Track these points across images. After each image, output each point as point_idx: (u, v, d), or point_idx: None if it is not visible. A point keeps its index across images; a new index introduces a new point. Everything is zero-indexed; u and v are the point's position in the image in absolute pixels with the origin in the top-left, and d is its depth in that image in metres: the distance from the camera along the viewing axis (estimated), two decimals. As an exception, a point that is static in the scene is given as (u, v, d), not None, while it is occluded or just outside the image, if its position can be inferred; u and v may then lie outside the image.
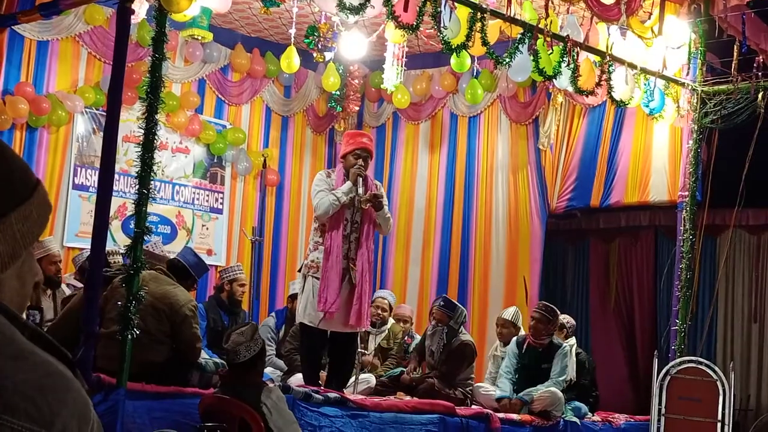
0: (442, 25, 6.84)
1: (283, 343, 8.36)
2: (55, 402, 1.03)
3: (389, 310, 8.76)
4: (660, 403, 7.83)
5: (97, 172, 6.77)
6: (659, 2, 7.98)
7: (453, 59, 7.70)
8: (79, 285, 7.46)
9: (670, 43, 8.32)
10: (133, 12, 5.67)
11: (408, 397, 7.44)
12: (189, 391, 5.86)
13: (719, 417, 7.63)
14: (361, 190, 6.88)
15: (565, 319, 8.53)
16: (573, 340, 8.50)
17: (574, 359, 8.27)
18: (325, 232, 6.88)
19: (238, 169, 10.45)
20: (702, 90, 8.62)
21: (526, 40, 7.21)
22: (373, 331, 8.47)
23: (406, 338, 8.65)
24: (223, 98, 10.39)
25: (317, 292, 6.80)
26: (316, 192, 6.94)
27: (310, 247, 7.04)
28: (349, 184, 6.88)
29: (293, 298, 8.43)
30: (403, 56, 8.63)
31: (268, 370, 7.62)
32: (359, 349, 7.45)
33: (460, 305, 8.15)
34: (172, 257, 6.70)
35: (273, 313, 9.00)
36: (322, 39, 8.86)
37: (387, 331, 8.61)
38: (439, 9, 6.77)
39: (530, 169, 10.13)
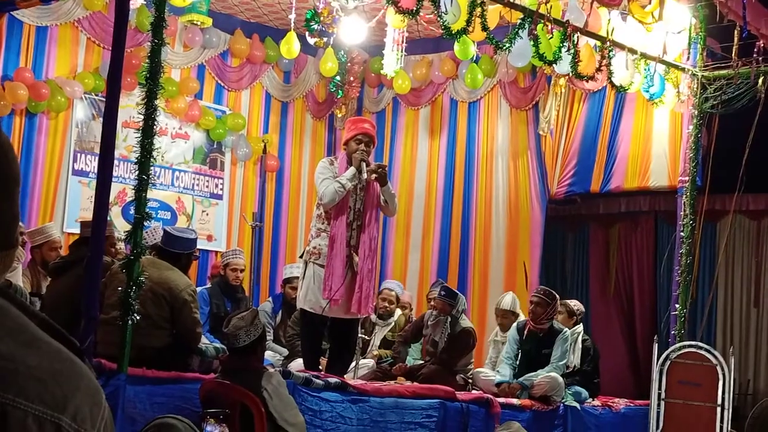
0: (442, 10, 6.82)
1: (281, 328, 8.36)
2: (68, 387, 1.05)
3: (396, 302, 8.70)
4: (660, 388, 7.85)
5: (96, 158, 6.77)
6: (660, -13, 7.96)
7: (456, 46, 7.68)
8: None
9: (671, 28, 8.30)
10: (132, -3, 5.66)
11: (408, 383, 7.45)
12: (190, 376, 5.87)
13: (719, 401, 7.65)
14: (365, 176, 6.86)
15: (575, 305, 8.46)
16: (581, 327, 8.47)
17: (580, 345, 8.26)
18: (328, 219, 6.84)
19: (238, 154, 10.44)
20: (702, 75, 8.60)
21: (526, 25, 7.20)
22: (381, 323, 8.44)
23: (407, 326, 8.63)
24: (222, 84, 10.38)
25: (319, 279, 6.79)
26: (321, 180, 6.85)
27: (312, 234, 6.99)
28: (352, 169, 6.83)
29: (286, 282, 8.43)
30: (403, 41, 8.60)
31: (267, 354, 7.63)
32: (360, 335, 7.44)
33: (458, 292, 8.15)
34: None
35: (270, 298, 8.99)
36: (321, 24, 8.83)
37: (393, 324, 8.58)
38: (439, -6, 6.75)
39: (530, 155, 10.12)
